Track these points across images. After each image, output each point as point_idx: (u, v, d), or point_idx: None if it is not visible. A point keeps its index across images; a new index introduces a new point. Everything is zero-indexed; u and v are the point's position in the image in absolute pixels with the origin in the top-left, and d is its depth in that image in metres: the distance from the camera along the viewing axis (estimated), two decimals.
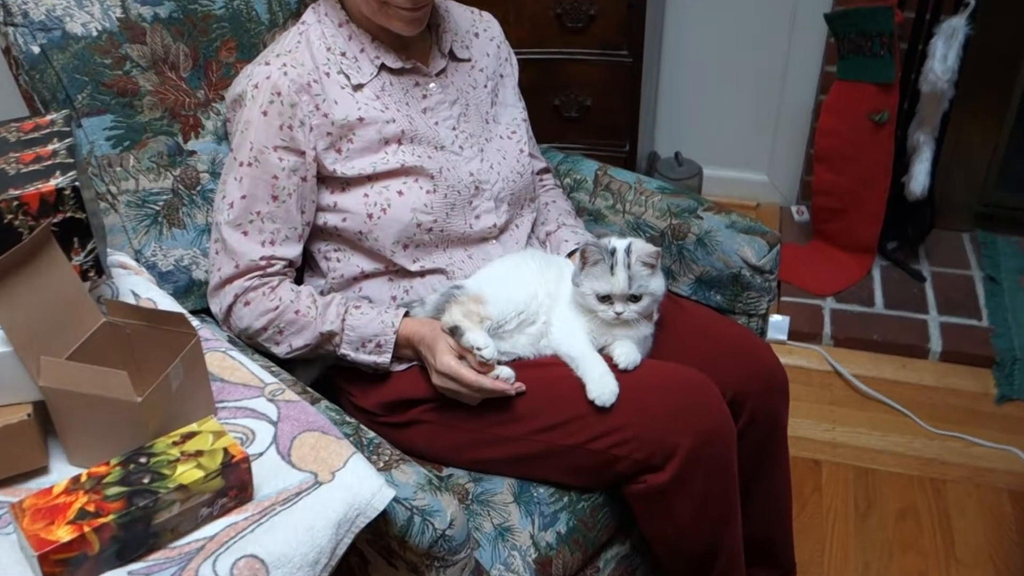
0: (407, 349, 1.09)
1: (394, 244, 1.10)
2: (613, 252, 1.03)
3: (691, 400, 1.01)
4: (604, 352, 1.07)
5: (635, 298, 1.04)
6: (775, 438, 1.18)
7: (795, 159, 2.48)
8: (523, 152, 1.20)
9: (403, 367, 1.11)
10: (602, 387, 1.00)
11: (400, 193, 1.10)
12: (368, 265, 1.15)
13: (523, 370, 1.05)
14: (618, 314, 1.03)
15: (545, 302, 1.11)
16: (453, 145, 1.14)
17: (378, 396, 1.12)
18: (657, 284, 1.05)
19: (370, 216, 1.10)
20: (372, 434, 0.92)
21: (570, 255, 1.20)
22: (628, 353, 1.04)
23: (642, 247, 1.05)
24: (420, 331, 1.07)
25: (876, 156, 2.03)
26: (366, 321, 1.09)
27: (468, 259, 1.17)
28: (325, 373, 1.19)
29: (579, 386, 1.02)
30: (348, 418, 0.95)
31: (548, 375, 1.05)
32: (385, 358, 1.08)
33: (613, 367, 1.03)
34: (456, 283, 1.12)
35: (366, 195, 1.10)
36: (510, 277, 1.13)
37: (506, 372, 1.03)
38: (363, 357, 1.09)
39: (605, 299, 1.04)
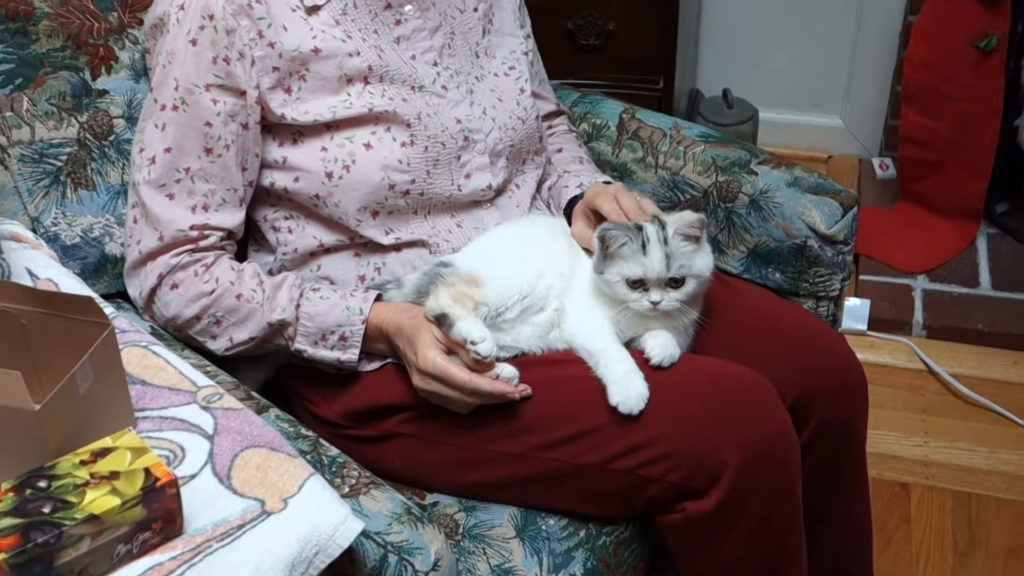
0: (380, 343, 1.10)
1: (360, 211, 1.12)
2: (641, 228, 1.05)
3: (742, 405, 1.02)
4: (633, 345, 1.09)
5: (676, 282, 1.05)
6: (851, 454, 1.19)
7: (877, 99, 2.46)
8: (524, 93, 1.22)
9: (375, 366, 1.12)
10: (628, 389, 1.01)
11: (367, 146, 1.11)
12: (328, 237, 1.16)
13: (528, 369, 1.06)
14: (655, 304, 1.05)
15: (556, 283, 1.12)
16: (434, 85, 1.15)
17: (343, 403, 1.14)
18: (703, 262, 1.06)
19: (329, 175, 1.11)
20: (335, 451, 0.93)
21: (570, 206, 1.21)
22: (664, 345, 1.06)
23: (682, 216, 1.07)
24: (397, 320, 1.08)
25: (982, 93, 2.02)
26: (327, 307, 1.10)
27: (456, 228, 1.19)
28: (276, 374, 1.21)
29: (599, 389, 1.04)
30: (305, 430, 0.96)
31: (560, 375, 1.06)
32: (352, 354, 1.09)
33: (644, 363, 1.04)
34: (442, 259, 1.13)
35: (324, 149, 1.11)
36: (512, 251, 1.14)
37: (508, 371, 1.04)
38: (324, 353, 1.10)
39: (637, 285, 1.05)
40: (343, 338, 1.10)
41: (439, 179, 1.15)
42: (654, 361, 1.05)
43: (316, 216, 1.15)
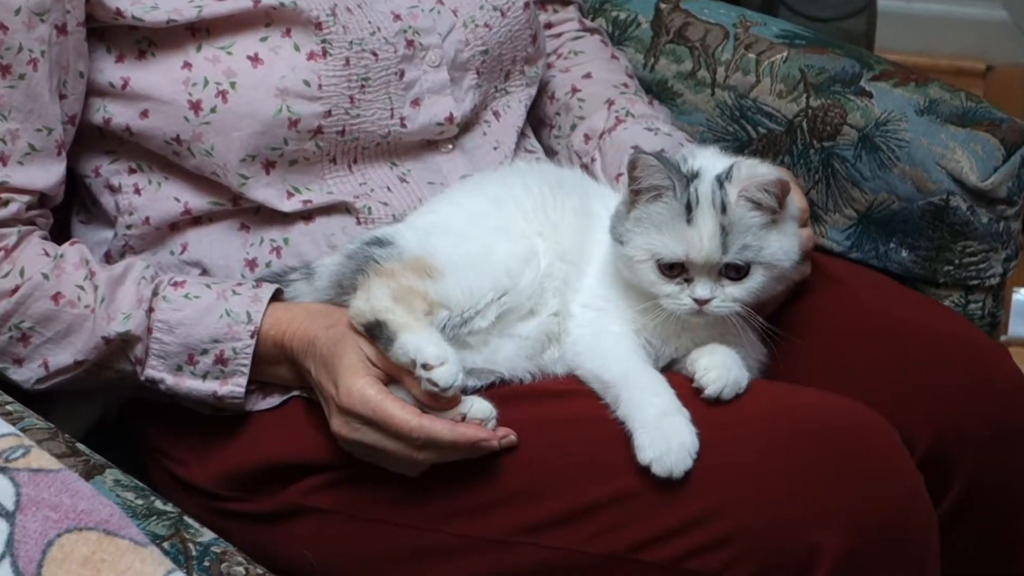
0: (280, 366, 1.12)
1: (245, 162, 1.14)
2: (692, 178, 1.07)
3: (847, 459, 1.04)
4: (676, 368, 1.13)
5: (736, 271, 1.07)
6: (1019, 523, 1.19)
7: None
8: None
9: (272, 403, 1.15)
10: (666, 439, 1.03)
11: (254, 60, 1.13)
12: (197, 200, 1.17)
13: (512, 406, 1.08)
14: (700, 303, 1.07)
15: (556, 272, 1.14)
16: None
17: (224, 461, 1.15)
18: (781, 245, 1.09)
19: (196, 107, 1.13)
20: (209, 535, 0.94)
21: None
22: (723, 366, 1.08)
23: (753, 170, 1.08)
24: (307, 331, 1.10)
25: None
26: (196, 311, 1.12)
27: (399, 184, 1.20)
28: (119, 413, 1.22)
29: (621, 437, 1.05)
30: (163, 503, 0.97)
31: (560, 416, 1.09)
32: (235, 385, 1.12)
33: (692, 394, 1.07)
34: (376, 233, 1.15)
35: (187, 65, 1.13)
36: (486, 221, 1.16)
37: (479, 409, 1.06)
38: (192, 384, 1.13)
39: (675, 271, 1.07)
40: (221, 360, 1.11)
41: (370, 109, 1.17)
42: (709, 391, 1.06)
43: (177, 170, 1.17)
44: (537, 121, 1.40)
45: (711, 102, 1.40)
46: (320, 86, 1.15)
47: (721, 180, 1.08)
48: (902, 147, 1.32)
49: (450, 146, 1.23)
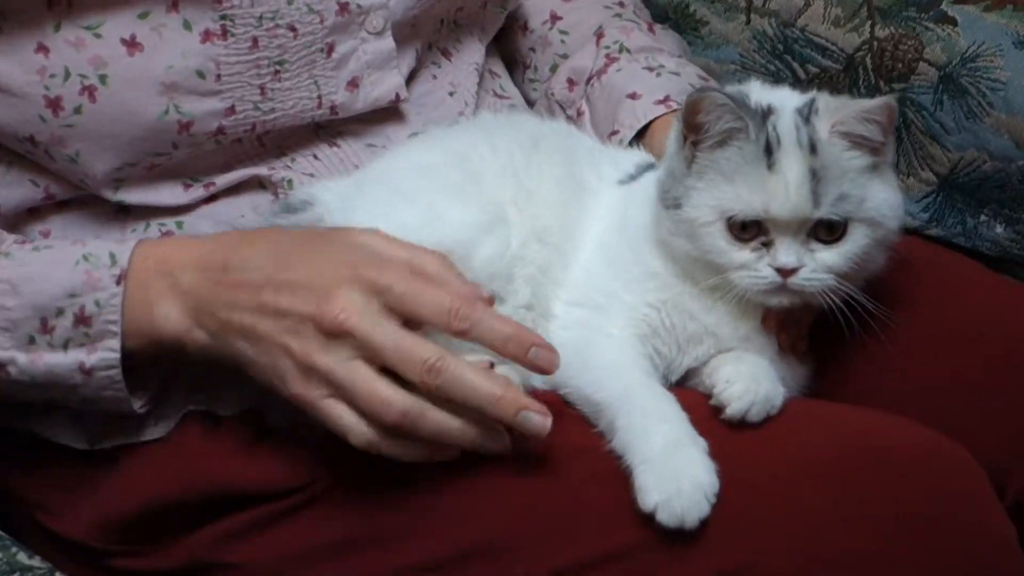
0: (167, 324, 1.10)
1: (121, 170, 1.15)
2: (768, 113, 1.10)
3: (916, 501, 1.05)
4: (693, 383, 1.15)
5: (829, 230, 1.09)
6: None
7: None
8: None
9: (161, 431, 1.16)
10: (674, 478, 1.03)
11: (131, 44, 1.13)
12: (60, 185, 1.20)
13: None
14: (784, 274, 1.08)
15: (531, 256, 1.16)
16: None
17: (100, 505, 1.16)
18: (886, 197, 1.11)
19: (55, 105, 1.13)
20: None
21: (641, 134, 1.28)
22: (750, 379, 1.10)
23: (845, 102, 1.10)
24: (210, 253, 1.10)
25: None
26: (46, 263, 1.12)
27: (329, 150, 1.24)
28: None
29: (617, 475, 1.06)
30: (29, 558, 0.96)
31: (535, 448, 1.08)
32: (106, 351, 1.10)
33: (706, 420, 1.07)
34: (292, 198, 1.18)
35: (43, 49, 1.13)
36: (436, 179, 1.18)
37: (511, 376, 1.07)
38: (51, 360, 1.11)
39: (749, 233, 1.09)
40: (82, 319, 1.10)
41: (288, 100, 1.19)
42: (732, 410, 1.08)
43: (36, 166, 1.19)
44: (508, 60, 1.41)
45: (746, 32, 1.40)
46: (219, 76, 1.16)
47: (805, 113, 1.10)
48: (996, 90, 1.31)
49: (398, 120, 1.25)
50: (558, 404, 1.11)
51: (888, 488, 1.05)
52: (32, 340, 1.11)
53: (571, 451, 1.08)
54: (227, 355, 1.09)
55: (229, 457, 1.13)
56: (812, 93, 1.14)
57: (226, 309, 1.08)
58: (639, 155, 1.25)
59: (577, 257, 1.17)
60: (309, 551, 1.12)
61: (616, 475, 1.06)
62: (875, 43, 1.36)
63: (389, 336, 1.03)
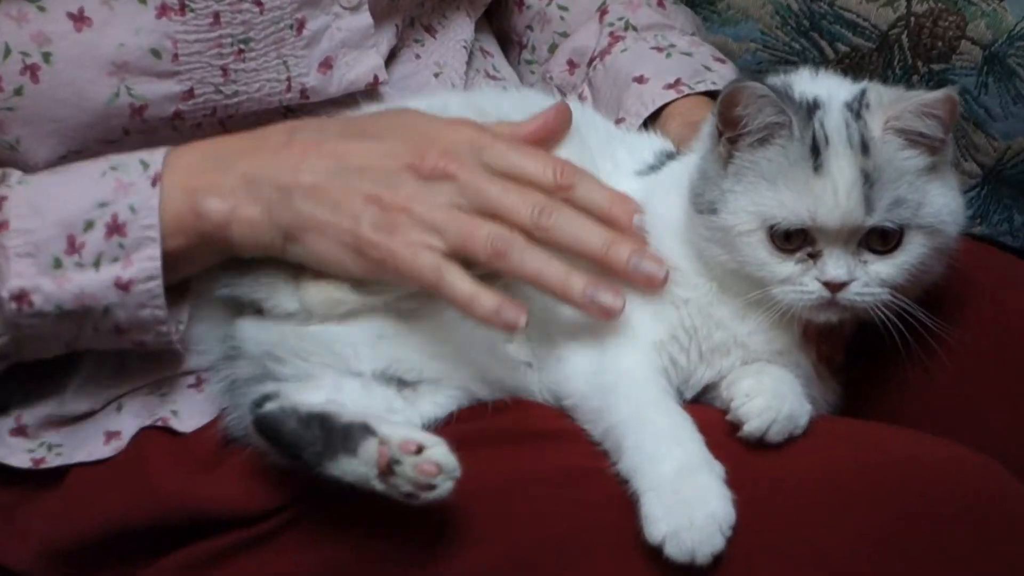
0: (228, 200, 1.10)
1: (67, 158, 1.14)
2: (814, 108, 1.08)
3: (962, 533, 1.02)
4: (709, 396, 1.13)
5: (883, 239, 1.06)
6: None
7: None
8: None
9: (114, 448, 1.14)
10: (686, 508, 1.00)
11: (79, 19, 1.12)
12: None
13: (469, 453, 1.04)
14: (833, 289, 1.05)
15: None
16: None
17: (45, 533, 1.15)
18: (946, 202, 1.08)
19: None
20: None
21: (649, 123, 1.26)
22: (772, 394, 1.07)
23: (901, 94, 1.09)
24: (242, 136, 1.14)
25: None
26: (68, 179, 1.11)
27: None
28: None
29: (623, 502, 1.03)
30: None
31: (533, 470, 1.08)
32: (146, 260, 1.08)
33: (723, 443, 1.04)
34: None
35: None
36: None
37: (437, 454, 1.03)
38: (82, 280, 1.08)
39: (793, 244, 1.07)
40: (116, 227, 1.08)
41: (253, 83, 1.18)
42: (750, 427, 1.04)
43: None
44: (502, 39, 1.39)
45: (767, 6, 1.37)
46: (176, 56, 1.14)
47: (855, 108, 1.06)
48: None
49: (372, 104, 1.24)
50: (559, 420, 1.10)
51: (926, 522, 1.02)
52: (58, 263, 1.08)
53: (572, 474, 1.06)
54: (282, 225, 1.09)
55: (190, 476, 1.11)
56: (863, 83, 1.11)
57: (291, 173, 1.09)
58: (655, 140, 1.22)
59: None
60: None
61: (622, 501, 1.02)
62: (912, 19, 1.32)
63: (495, 181, 1.06)
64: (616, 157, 1.18)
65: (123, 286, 1.08)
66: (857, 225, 1.04)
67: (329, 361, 1.09)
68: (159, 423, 1.13)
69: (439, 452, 1.00)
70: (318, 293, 1.08)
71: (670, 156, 1.20)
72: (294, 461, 1.04)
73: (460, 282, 1.05)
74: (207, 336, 1.16)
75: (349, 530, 1.08)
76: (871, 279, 1.05)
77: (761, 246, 1.06)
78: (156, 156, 1.09)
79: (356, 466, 1.01)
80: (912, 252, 1.06)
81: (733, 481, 1.00)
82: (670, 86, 1.28)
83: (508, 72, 1.34)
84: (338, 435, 1.02)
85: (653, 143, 1.23)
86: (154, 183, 1.08)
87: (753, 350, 1.11)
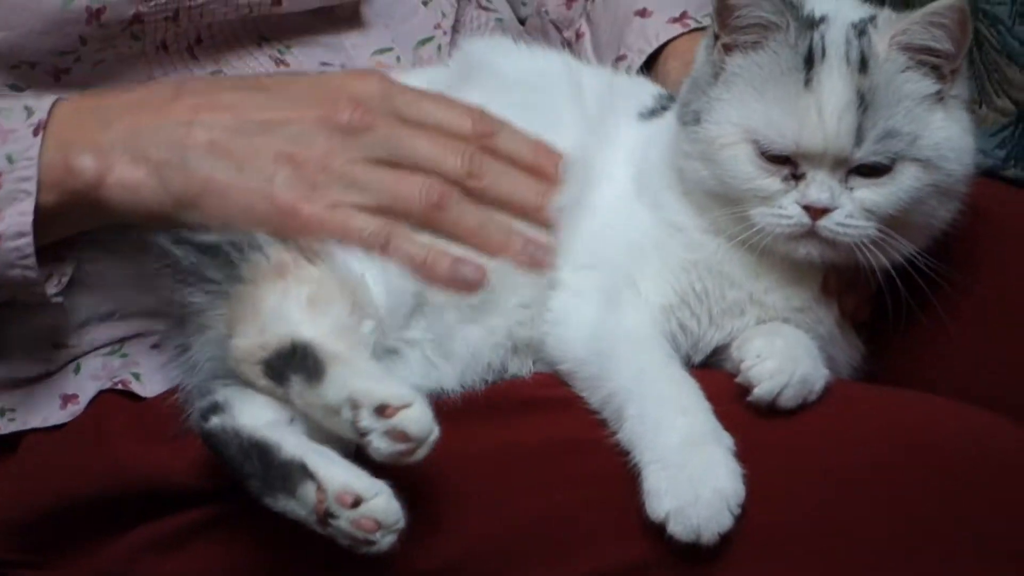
0: (104, 159, 1.06)
1: (19, 70, 1.13)
2: (817, 22, 1.06)
3: (981, 500, 1.01)
4: (719, 359, 1.11)
5: (875, 170, 1.04)
6: None
7: None
8: None
9: (70, 412, 1.13)
10: (691, 483, 0.98)
11: None
12: None
13: (461, 425, 1.04)
14: (815, 212, 1.04)
15: None
16: None
17: (3, 500, 1.14)
18: (949, 135, 1.06)
19: None
20: None
21: (652, 63, 1.25)
22: (784, 355, 1.05)
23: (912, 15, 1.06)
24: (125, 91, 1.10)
25: None
26: None
27: (276, 70, 1.19)
28: None
29: (625, 475, 1.01)
30: None
31: (529, 440, 1.06)
32: (19, 215, 1.05)
33: (733, 413, 1.02)
34: None
35: None
36: None
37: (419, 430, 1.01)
38: None
39: (778, 164, 1.05)
40: None
41: None
42: (760, 391, 1.02)
43: None
44: None
45: None
46: None
47: (861, 27, 1.05)
48: None
49: (353, 19, 1.19)
50: (554, 387, 1.08)
51: (949, 498, 1.00)
52: None
53: (570, 445, 1.04)
54: (174, 189, 1.05)
55: (152, 445, 1.09)
56: (882, 11, 1.09)
57: (182, 130, 1.06)
58: (653, 86, 1.20)
59: (590, 208, 1.12)
60: (247, 570, 1.09)
61: (623, 475, 1.00)
62: None
63: (416, 131, 1.06)
64: (614, 104, 1.16)
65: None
66: (844, 156, 1.02)
67: None
68: (119, 386, 1.11)
69: (378, 505, 0.98)
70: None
71: (671, 98, 1.18)
72: (243, 483, 1.00)
73: (408, 244, 1.02)
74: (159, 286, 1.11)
75: None
76: (855, 208, 1.03)
77: (746, 159, 1.04)
78: (43, 103, 1.06)
79: (296, 508, 0.99)
80: (902, 184, 1.04)
81: (743, 453, 0.98)
82: (675, 20, 1.26)
83: (500, 2, 1.31)
84: (277, 473, 1.00)
85: (651, 88, 1.23)
86: (36, 132, 1.05)
87: (770, 308, 1.09)
